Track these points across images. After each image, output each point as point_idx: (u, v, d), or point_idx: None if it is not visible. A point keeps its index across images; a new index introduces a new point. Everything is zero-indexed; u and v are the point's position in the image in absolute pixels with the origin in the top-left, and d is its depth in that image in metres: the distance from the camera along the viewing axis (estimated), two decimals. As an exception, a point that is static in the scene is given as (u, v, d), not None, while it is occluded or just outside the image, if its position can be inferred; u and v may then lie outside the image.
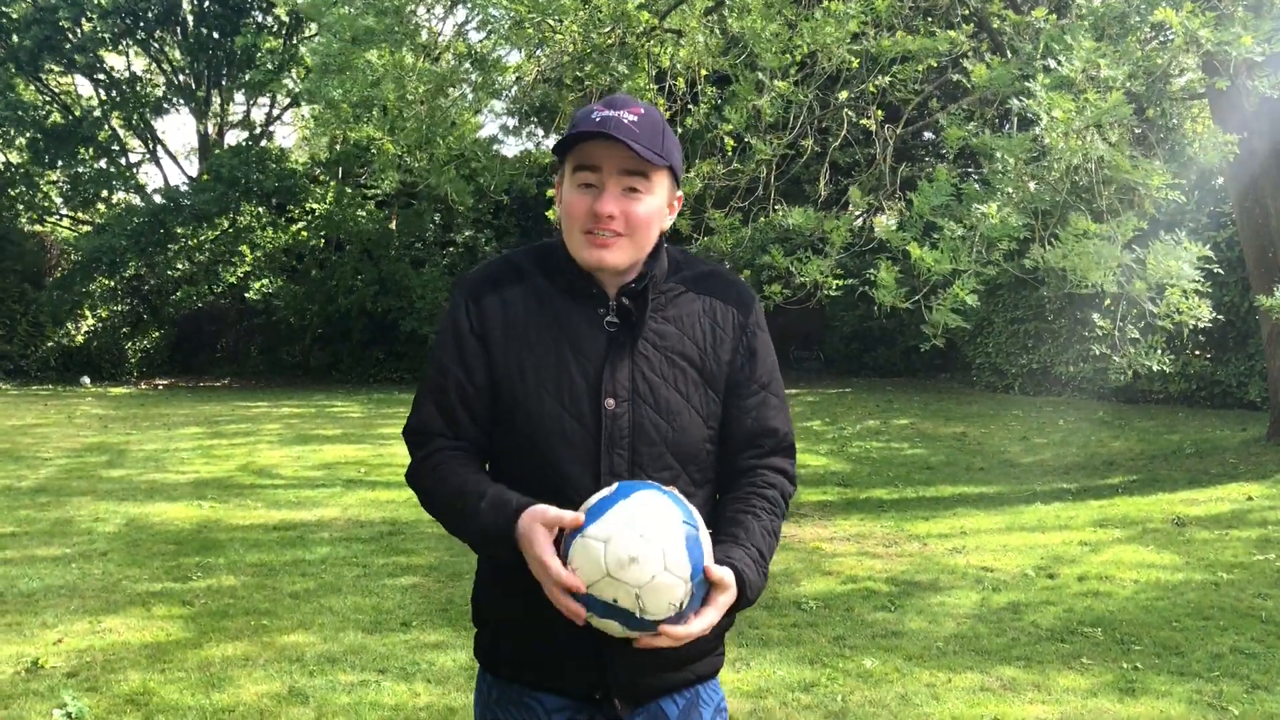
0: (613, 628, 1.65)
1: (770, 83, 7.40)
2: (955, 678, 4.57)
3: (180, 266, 21.86)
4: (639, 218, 1.78)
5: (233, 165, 20.24)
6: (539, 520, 1.66)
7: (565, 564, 1.64)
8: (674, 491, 1.71)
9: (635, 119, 1.76)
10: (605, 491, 1.68)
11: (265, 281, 21.59)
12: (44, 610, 5.51)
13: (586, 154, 1.78)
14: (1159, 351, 6.07)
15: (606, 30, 8.19)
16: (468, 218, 21.17)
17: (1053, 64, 5.34)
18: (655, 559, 1.60)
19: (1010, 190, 5.50)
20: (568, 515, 1.64)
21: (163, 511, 8.06)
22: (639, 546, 1.60)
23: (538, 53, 8.50)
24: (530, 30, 8.01)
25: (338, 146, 20.81)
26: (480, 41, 10.05)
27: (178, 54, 22.74)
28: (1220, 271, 6.35)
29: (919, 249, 5.52)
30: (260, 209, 21.43)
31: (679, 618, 1.65)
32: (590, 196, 1.78)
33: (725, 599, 1.69)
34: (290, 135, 28.07)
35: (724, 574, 1.68)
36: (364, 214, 20.94)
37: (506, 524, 1.70)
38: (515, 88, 9.84)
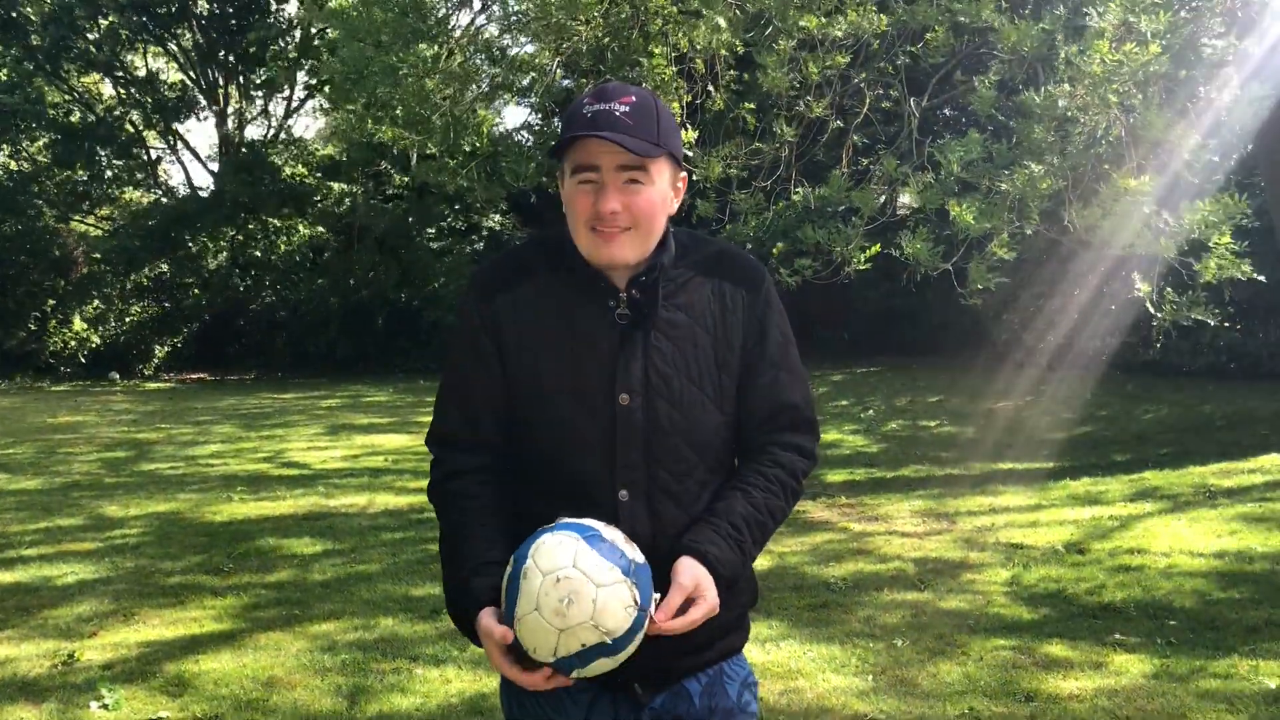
0: (603, 665, 1.66)
1: (793, 51, 7.34)
2: (988, 655, 4.54)
3: (204, 264, 22.00)
4: (643, 209, 1.77)
5: (249, 166, 20.34)
6: (489, 640, 1.71)
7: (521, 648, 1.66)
8: (559, 521, 1.71)
9: (627, 109, 1.74)
10: (506, 573, 1.70)
11: (288, 282, 21.66)
12: (79, 604, 5.56)
13: (583, 153, 1.76)
14: (1201, 306, 6.00)
15: (626, 18, 8.15)
16: (490, 206, 21.18)
17: (1090, 14, 5.28)
18: (582, 585, 1.61)
19: (1036, 156, 5.45)
20: (497, 631, 1.67)
21: (194, 504, 8.12)
22: (561, 587, 1.61)
23: (560, 46, 8.45)
24: (553, 23, 7.96)
25: (353, 135, 20.89)
26: (498, 35, 10.05)
27: (194, 51, 22.84)
28: (1255, 225, 6.28)
29: (958, 207, 5.49)
30: (278, 206, 21.52)
31: (646, 609, 1.66)
32: (592, 194, 1.76)
33: (688, 584, 1.71)
34: (309, 127, 28.15)
35: (681, 572, 1.72)
36: (382, 208, 21.01)
37: (469, 625, 1.78)
38: (539, 86, 9.81)
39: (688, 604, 1.71)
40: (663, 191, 1.80)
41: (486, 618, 1.70)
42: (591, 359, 1.80)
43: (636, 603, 1.64)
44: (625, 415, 1.79)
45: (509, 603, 1.66)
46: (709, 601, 1.72)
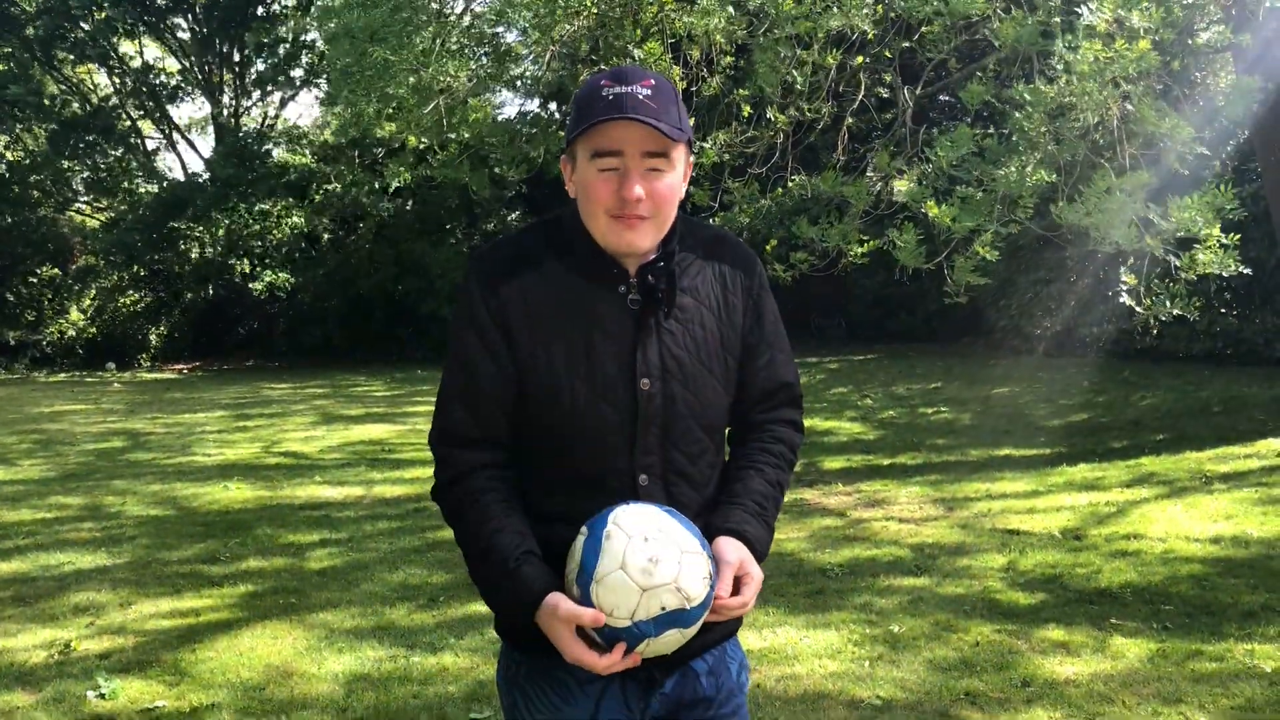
0: (672, 639, 1.66)
1: (795, 52, 7.32)
2: (985, 641, 4.55)
3: (200, 254, 21.96)
4: (664, 196, 1.75)
5: (245, 154, 20.26)
6: (558, 619, 1.66)
7: (595, 608, 1.64)
8: (631, 502, 1.73)
9: (649, 92, 1.70)
10: (580, 540, 1.68)
11: (283, 274, 21.60)
12: (75, 594, 5.56)
13: (606, 137, 1.71)
14: (1182, 300, 5.99)
15: (621, 5, 8.12)
16: (494, 201, 21.12)
17: (1082, 12, 5.27)
18: (669, 547, 1.63)
19: (1030, 147, 5.43)
20: (586, 614, 1.64)
21: (190, 494, 8.12)
22: (650, 547, 1.62)
23: (555, 33, 8.40)
24: (546, 16, 7.91)
25: (351, 131, 20.80)
26: (490, 26, 9.96)
27: (190, 41, 22.76)
28: (1248, 214, 6.26)
29: (937, 207, 5.47)
30: (274, 195, 21.47)
31: (714, 586, 1.69)
32: (614, 180, 1.73)
33: (734, 561, 1.75)
34: (304, 114, 28.08)
35: (726, 551, 1.76)
36: (381, 199, 20.94)
37: (526, 615, 1.71)
38: (531, 73, 9.74)
39: (737, 582, 1.74)
40: (680, 178, 1.79)
41: (564, 602, 1.66)
42: (607, 346, 1.78)
43: (711, 576, 1.67)
44: (645, 400, 1.78)
45: (584, 567, 1.65)
46: (756, 579, 1.76)
